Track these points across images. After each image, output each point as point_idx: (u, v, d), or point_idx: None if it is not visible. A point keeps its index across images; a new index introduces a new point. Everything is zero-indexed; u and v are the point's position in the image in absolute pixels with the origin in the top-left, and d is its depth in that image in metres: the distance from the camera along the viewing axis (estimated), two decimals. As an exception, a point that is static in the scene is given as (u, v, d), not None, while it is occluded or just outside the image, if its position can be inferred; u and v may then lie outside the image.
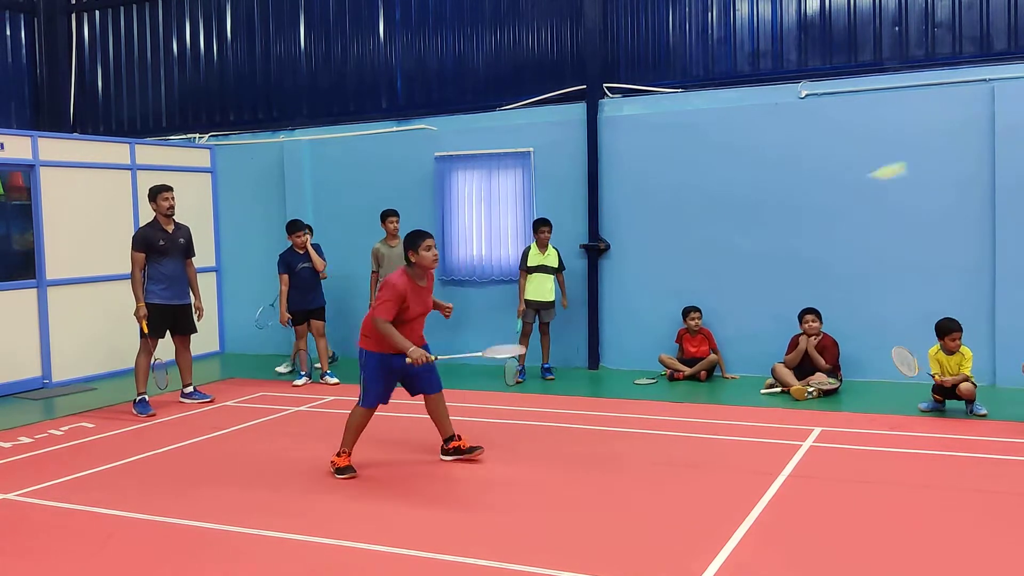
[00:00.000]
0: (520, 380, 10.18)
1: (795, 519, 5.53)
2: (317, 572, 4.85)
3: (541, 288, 10.23)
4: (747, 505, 5.70)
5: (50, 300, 10.45)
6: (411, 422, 8.29)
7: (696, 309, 10.10)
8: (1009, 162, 9.09)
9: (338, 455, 6.70)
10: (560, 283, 10.39)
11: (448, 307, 6.99)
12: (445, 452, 7.06)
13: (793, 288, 9.87)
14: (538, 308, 10.28)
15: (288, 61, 12.93)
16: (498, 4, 11.56)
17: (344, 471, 6.59)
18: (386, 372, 6.62)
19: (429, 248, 6.49)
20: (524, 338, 10.22)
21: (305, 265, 10.26)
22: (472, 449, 7.01)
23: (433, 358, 6.46)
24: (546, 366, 10.49)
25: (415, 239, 6.52)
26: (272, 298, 11.38)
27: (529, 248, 10.37)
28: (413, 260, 6.54)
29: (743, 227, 10.19)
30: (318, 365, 10.54)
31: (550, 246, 10.32)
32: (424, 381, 6.82)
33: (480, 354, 6.93)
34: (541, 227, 10.25)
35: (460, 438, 7.06)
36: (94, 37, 14.42)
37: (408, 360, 6.36)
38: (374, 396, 6.64)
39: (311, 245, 10.40)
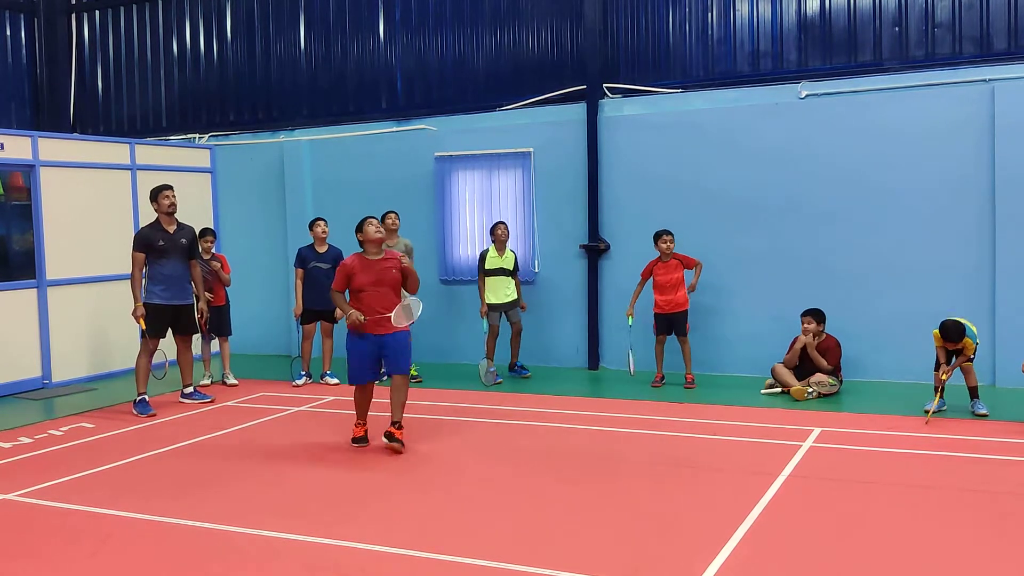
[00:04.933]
0: (498, 381, 10.12)
1: (795, 519, 5.53)
2: (317, 572, 4.85)
3: (502, 291, 10.24)
4: (747, 505, 5.70)
5: (50, 300, 10.45)
6: (409, 422, 8.29)
7: (668, 232, 9.71)
8: (1009, 162, 9.09)
9: (355, 425, 7.54)
10: (516, 285, 10.38)
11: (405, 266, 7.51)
12: (385, 434, 7.39)
13: (793, 288, 9.87)
14: (503, 310, 10.30)
15: (288, 61, 12.93)
16: (498, 4, 11.57)
17: (357, 440, 7.44)
18: (357, 349, 7.28)
19: (371, 224, 7.40)
20: (491, 339, 10.29)
21: (318, 264, 10.22)
22: (395, 442, 7.22)
23: (362, 319, 7.13)
24: (518, 364, 10.56)
25: (361, 222, 7.45)
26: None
27: (487, 251, 10.36)
28: (360, 238, 7.44)
29: (743, 227, 10.19)
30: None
31: (508, 249, 10.37)
32: (391, 362, 7.35)
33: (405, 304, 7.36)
34: (498, 227, 10.29)
35: (399, 428, 7.28)
36: (94, 37, 14.42)
37: (341, 318, 7.36)
38: (355, 374, 7.38)
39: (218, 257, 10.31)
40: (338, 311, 7.52)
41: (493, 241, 10.33)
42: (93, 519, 5.78)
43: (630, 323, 9.88)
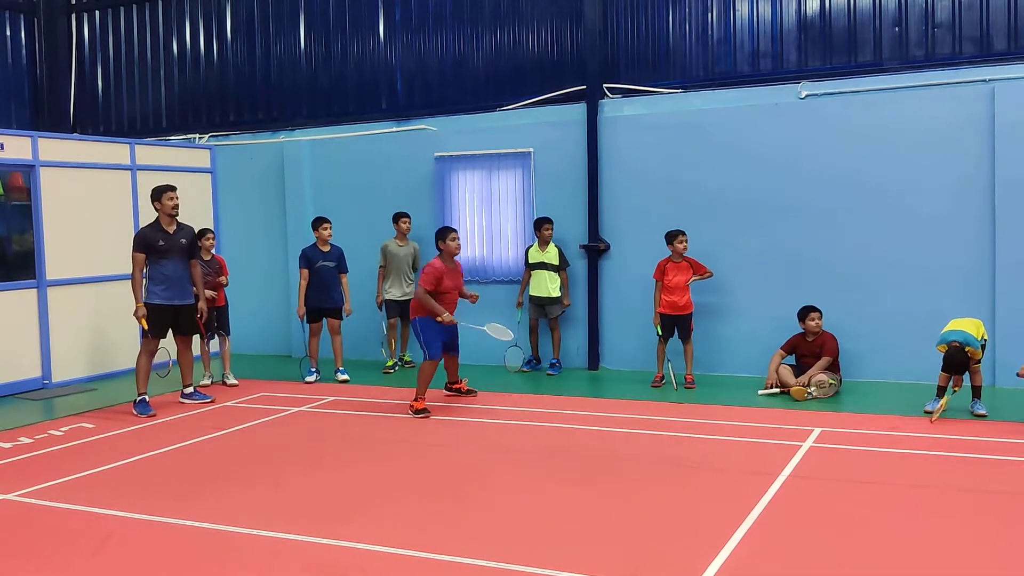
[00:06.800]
0: (526, 369, 10.77)
1: (795, 519, 5.53)
2: (317, 572, 4.85)
3: (541, 284, 10.58)
4: (747, 505, 5.70)
5: (50, 300, 10.45)
6: (410, 423, 8.30)
7: (683, 232, 9.76)
8: (1009, 162, 9.09)
9: (416, 400, 8.62)
10: (562, 281, 10.61)
11: (473, 296, 9.04)
12: (448, 389, 9.39)
13: (793, 288, 9.87)
14: (541, 304, 10.63)
15: (288, 61, 12.93)
16: (498, 4, 11.56)
17: (421, 412, 8.54)
18: (439, 334, 8.68)
19: (454, 240, 8.78)
20: (532, 334, 10.81)
21: (325, 263, 10.29)
22: (469, 391, 9.30)
23: (456, 322, 8.76)
24: (552, 361, 10.78)
25: (443, 233, 8.82)
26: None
27: (531, 246, 10.75)
28: (441, 248, 8.75)
29: (743, 227, 10.19)
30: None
31: (552, 244, 10.62)
32: (453, 346, 9.03)
33: (483, 328, 9.06)
34: (543, 225, 10.59)
35: (461, 381, 9.35)
36: (94, 37, 14.42)
37: (438, 319, 8.55)
38: (437, 350, 8.68)
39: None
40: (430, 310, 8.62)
41: (537, 237, 10.69)
42: (93, 519, 5.78)
43: (659, 332, 9.85)
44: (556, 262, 10.58)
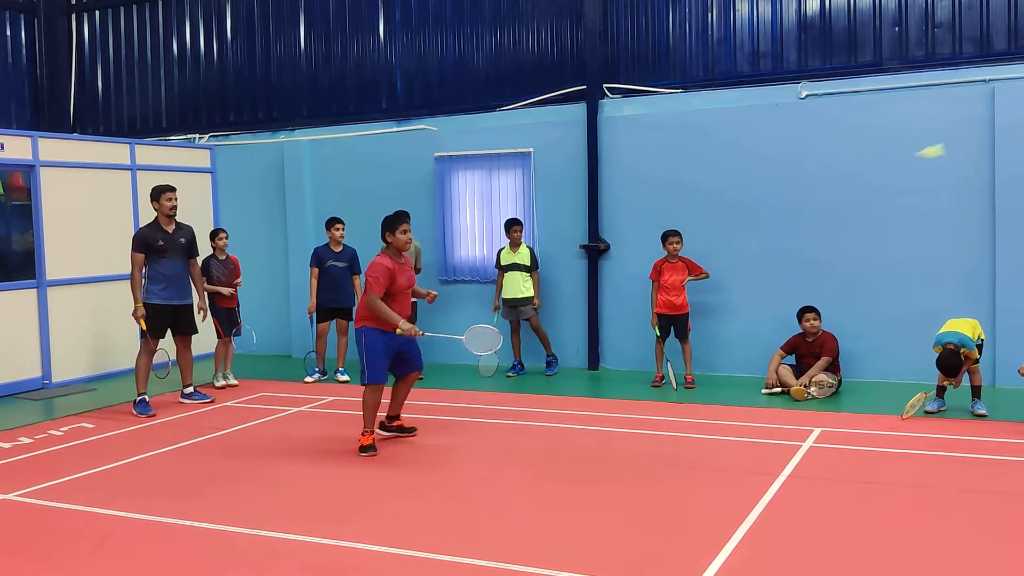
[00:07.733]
0: (510, 375, 10.61)
1: (795, 519, 5.53)
2: (315, 572, 4.85)
3: (513, 286, 10.55)
4: (747, 505, 5.70)
5: (50, 300, 10.44)
6: (409, 422, 8.30)
7: (677, 233, 9.77)
8: (1009, 162, 9.09)
9: (362, 434, 7.24)
10: (534, 281, 10.58)
11: (431, 294, 7.64)
12: (385, 428, 7.73)
13: (793, 288, 9.87)
14: (514, 305, 10.60)
15: (288, 61, 12.93)
16: (498, 4, 11.56)
17: (366, 449, 7.15)
18: (381, 348, 7.15)
19: (405, 232, 7.20)
20: (514, 335, 10.68)
21: (335, 263, 10.33)
22: (410, 430, 7.77)
23: (422, 333, 7.19)
24: (548, 360, 10.74)
25: (393, 222, 7.21)
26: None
27: (502, 249, 10.73)
28: (389, 240, 7.23)
29: (743, 227, 10.19)
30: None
31: (523, 245, 10.63)
32: (413, 358, 7.51)
33: (461, 338, 7.52)
34: (513, 227, 10.56)
35: (400, 419, 7.76)
36: (94, 37, 14.43)
37: (399, 331, 7.00)
38: (380, 372, 7.16)
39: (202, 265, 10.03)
40: (389, 320, 7.01)
41: (509, 239, 10.64)
42: (93, 519, 5.78)
43: (657, 332, 9.82)
44: (528, 263, 10.55)
